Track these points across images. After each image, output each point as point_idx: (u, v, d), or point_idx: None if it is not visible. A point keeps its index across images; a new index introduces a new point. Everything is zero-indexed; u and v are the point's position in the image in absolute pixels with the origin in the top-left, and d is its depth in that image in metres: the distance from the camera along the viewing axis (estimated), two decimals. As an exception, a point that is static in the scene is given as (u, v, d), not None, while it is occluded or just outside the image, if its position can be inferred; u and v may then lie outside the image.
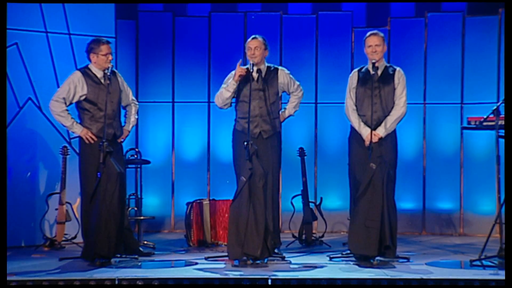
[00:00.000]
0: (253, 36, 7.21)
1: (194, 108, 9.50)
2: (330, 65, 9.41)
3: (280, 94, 7.31)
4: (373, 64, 6.91)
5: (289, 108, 7.36)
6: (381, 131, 6.89)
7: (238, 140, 7.11)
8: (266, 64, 7.24)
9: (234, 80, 7.07)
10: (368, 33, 7.05)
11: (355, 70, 7.18)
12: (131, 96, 7.23)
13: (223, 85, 7.19)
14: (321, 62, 9.46)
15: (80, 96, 6.93)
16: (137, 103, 7.30)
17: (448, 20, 9.29)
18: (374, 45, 6.96)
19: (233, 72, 7.16)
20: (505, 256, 6.02)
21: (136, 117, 7.27)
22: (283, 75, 7.23)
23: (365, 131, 6.90)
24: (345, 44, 9.43)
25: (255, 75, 7.12)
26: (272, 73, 7.20)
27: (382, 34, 7.02)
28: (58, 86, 7.90)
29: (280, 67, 7.31)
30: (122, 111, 7.24)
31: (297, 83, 7.31)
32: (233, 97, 7.17)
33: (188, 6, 9.70)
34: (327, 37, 9.46)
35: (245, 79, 7.11)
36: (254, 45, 7.11)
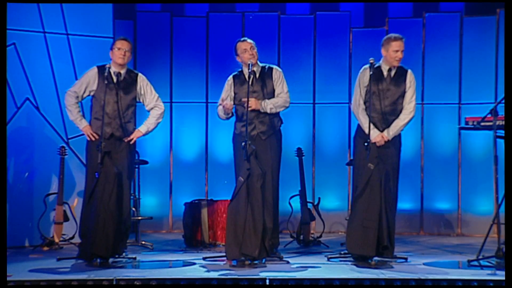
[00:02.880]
0: (242, 39, 7.18)
1: (192, 109, 9.50)
2: (328, 66, 9.42)
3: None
4: (390, 67, 6.85)
5: (267, 101, 7.08)
6: (388, 134, 6.84)
7: (237, 143, 7.12)
8: (260, 65, 7.22)
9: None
10: (393, 37, 6.89)
11: (366, 66, 6.93)
12: (156, 101, 7.13)
13: (221, 102, 7.18)
14: (319, 63, 9.46)
15: (90, 92, 6.96)
16: (162, 106, 7.16)
17: (446, 20, 9.30)
18: (401, 50, 6.84)
19: (230, 83, 7.17)
20: (505, 256, 6.02)
21: (158, 121, 7.14)
22: (277, 72, 7.19)
23: (373, 134, 6.82)
24: (343, 44, 9.43)
25: (247, 76, 7.09)
26: (267, 73, 7.18)
27: (404, 38, 6.95)
28: (56, 86, 7.94)
29: (274, 66, 7.27)
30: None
31: (286, 89, 7.18)
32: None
33: (186, 6, 9.71)
34: (325, 37, 9.47)
35: (240, 82, 7.12)
36: (249, 45, 7.09)
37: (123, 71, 6.90)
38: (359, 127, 7.00)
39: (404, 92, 6.92)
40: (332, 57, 9.43)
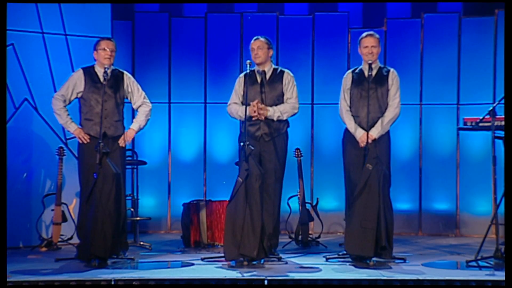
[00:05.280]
0: (255, 37, 7.19)
1: (191, 109, 9.49)
2: (326, 66, 9.42)
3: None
4: (369, 65, 6.89)
5: (274, 108, 7.08)
6: (374, 133, 6.87)
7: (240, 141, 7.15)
8: (273, 66, 7.20)
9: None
10: (364, 34, 7.04)
11: (349, 71, 7.17)
12: (143, 98, 7.16)
13: (235, 100, 7.15)
14: (317, 63, 9.47)
15: (77, 93, 6.98)
16: (149, 104, 7.18)
17: (444, 21, 9.30)
18: (370, 46, 6.96)
19: (241, 81, 7.14)
20: (505, 257, 6.03)
21: (148, 117, 7.15)
22: (288, 77, 7.18)
23: (358, 133, 6.89)
24: (341, 45, 9.44)
25: (258, 77, 7.10)
26: (278, 76, 7.16)
27: (378, 35, 7.02)
28: (54, 87, 7.93)
29: (286, 70, 7.26)
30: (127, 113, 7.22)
31: (296, 95, 7.16)
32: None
33: (184, 7, 9.70)
34: (324, 38, 9.47)
35: (250, 81, 7.10)
36: (257, 45, 7.10)
37: (109, 71, 6.90)
38: (346, 131, 7.06)
39: (388, 91, 6.97)
40: (331, 57, 9.43)
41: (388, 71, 7.04)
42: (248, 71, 7.04)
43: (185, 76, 9.49)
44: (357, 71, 7.09)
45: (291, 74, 7.22)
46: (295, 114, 7.24)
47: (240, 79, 7.21)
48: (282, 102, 7.14)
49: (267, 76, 7.14)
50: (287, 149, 7.27)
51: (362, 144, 6.82)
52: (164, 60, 9.49)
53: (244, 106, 6.96)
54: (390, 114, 6.95)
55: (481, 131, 7.09)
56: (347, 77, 7.10)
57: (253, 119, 6.98)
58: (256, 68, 7.16)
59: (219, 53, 9.43)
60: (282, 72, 7.19)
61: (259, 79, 7.11)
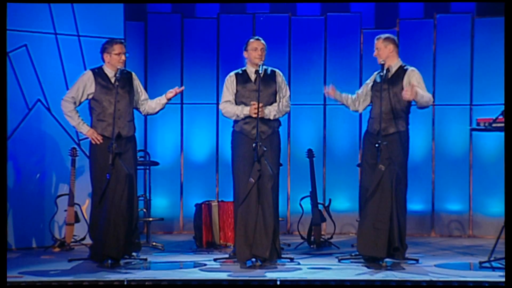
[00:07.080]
0: (256, 37, 7.17)
1: (203, 110, 9.50)
2: (338, 67, 9.40)
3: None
4: (382, 66, 6.89)
5: (269, 108, 7.05)
6: (418, 92, 6.78)
7: (236, 141, 7.11)
8: (264, 66, 7.18)
9: (243, 114, 6.99)
10: None
11: (376, 72, 7.14)
12: (147, 96, 7.24)
13: (228, 98, 7.13)
14: (329, 64, 9.45)
15: (88, 95, 6.98)
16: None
17: (457, 21, 9.27)
18: (375, 48, 7.01)
19: (232, 79, 7.12)
20: (505, 257, 6.00)
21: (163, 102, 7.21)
22: (280, 76, 7.18)
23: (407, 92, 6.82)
24: (353, 46, 9.42)
25: (253, 76, 7.09)
26: (270, 75, 7.15)
27: (384, 36, 6.99)
28: (67, 88, 7.94)
29: (277, 69, 7.25)
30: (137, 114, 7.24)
31: (289, 93, 7.18)
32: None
33: (196, 7, 9.71)
34: (336, 39, 9.45)
35: (243, 80, 7.10)
36: (261, 46, 7.08)
37: (118, 71, 6.91)
38: (366, 130, 7.06)
39: (402, 90, 6.93)
40: (343, 58, 9.41)
41: (405, 71, 6.99)
42: (261, 72, 7.02)
43: (197, 77, 9.50)
44: (381, 72, 7.04)
45: (281, 73, 7.23)
46: (287, 112, 7.26)
47: (232, 78, 7.17)
48: (275, 101, 7.12)
49: (261, 76, 7.08)
50: (281, 148, 7.23)
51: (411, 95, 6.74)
52: (177, 60, 9.51)
53: (245, 106, 6.97)
54: (426, 93, 6.90)
55: (494, 132, 7.06)
56: (371, 78, 7.14)
57: (254, 116, 6.95)
58: (248, 67, 7.13)
59: (232, 54, 9.42)
60: (273, 71, 7.17)
61: (253, 78, 7.09)
